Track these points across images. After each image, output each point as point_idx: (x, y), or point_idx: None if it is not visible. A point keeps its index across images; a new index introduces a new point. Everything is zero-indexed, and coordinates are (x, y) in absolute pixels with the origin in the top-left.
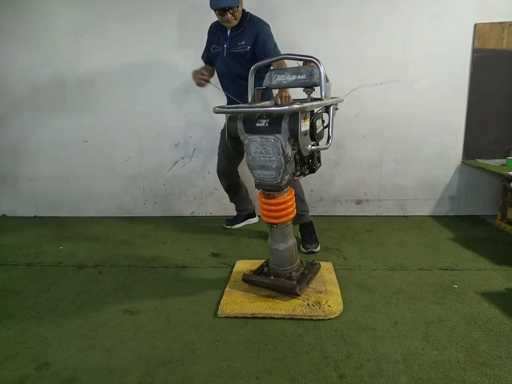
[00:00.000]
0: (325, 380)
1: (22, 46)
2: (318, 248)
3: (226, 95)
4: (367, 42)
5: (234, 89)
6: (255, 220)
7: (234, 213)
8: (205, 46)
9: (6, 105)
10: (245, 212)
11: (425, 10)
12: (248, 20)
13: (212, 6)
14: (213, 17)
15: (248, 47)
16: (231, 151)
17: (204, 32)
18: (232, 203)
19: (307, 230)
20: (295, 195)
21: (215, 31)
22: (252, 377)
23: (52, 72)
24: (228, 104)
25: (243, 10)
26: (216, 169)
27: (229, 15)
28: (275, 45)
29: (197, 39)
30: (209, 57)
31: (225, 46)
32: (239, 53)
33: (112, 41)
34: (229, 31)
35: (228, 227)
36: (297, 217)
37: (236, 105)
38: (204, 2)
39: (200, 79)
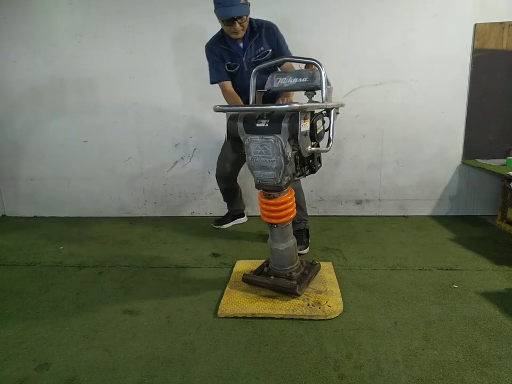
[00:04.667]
0: (325, 380)
1: (22, 46)
2: (305, 251)
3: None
4: (367, 42)
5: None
6: (244, 219)
7: None
8: (213, 66)
9: (6, 105)
10: (236, 212)
11: (425, 10)
12: (259, 25)
13: (220, 16)
14: (213, 21)
15: (270, 50)
16: (236, 156)
17: (204, 31)
18: (225, 202)
19: (300, 232)
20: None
21: (221, 48)
22: (252, 377)
23: (52, 72)
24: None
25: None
26: (215, 173)
27: (238, 25)
28: (287, 45)
29: (197, 39)
30: (228, 74)
31: (243, 59)
32: (263, 61)
33: (112, 41)
34: (241, 43)
35: (217, 227)
36: (294, 223)
37: (236, 104)
38: (204, 3)
39: None
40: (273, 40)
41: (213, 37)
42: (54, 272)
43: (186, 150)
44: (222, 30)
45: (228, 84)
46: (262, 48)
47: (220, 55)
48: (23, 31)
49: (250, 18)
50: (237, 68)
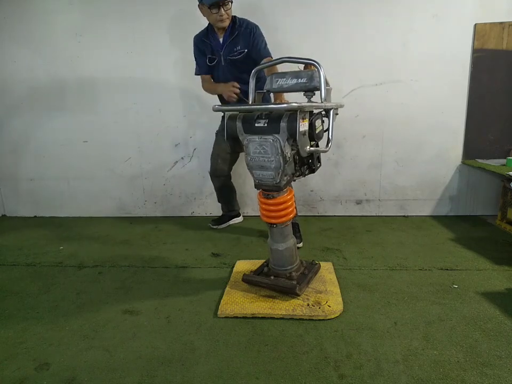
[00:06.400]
0: (325, 380)
1: (22, 46)
2: (301, 244)
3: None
4: (367, 42)
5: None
6: (240, 219)
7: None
8: (196, 60)
9: (6, 106)
10: (232, 213)
11: (425, 10)
12: (239, 24)
13: (207, 2)
14: None
15: (246, 51)
16: (227, 153)
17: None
18: (220, 203)
19: (293, 227)
20: None
21: (204, 41)
22: (252, 377)
23: (52, 72)
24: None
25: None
26: (209, 171)
27: (223, 11)
28: (265, 44)
29: None
30: (208, 68)
31: (221, 54)
32: (238, 59)
33: (112, 41)
34: (221, 38)
35: (215, 227)
36: None
37: (235, 104)
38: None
39: (232, 91)
40: (249, 41)
41: (200, 31)
42: (54, 272)
43: (186, 150)
44: (208, 25)
45: (207, 77)
46: (238, 47)
47: (202, 48)
48: (23, 31)
49: (235, 16)
50: (215, 61)
